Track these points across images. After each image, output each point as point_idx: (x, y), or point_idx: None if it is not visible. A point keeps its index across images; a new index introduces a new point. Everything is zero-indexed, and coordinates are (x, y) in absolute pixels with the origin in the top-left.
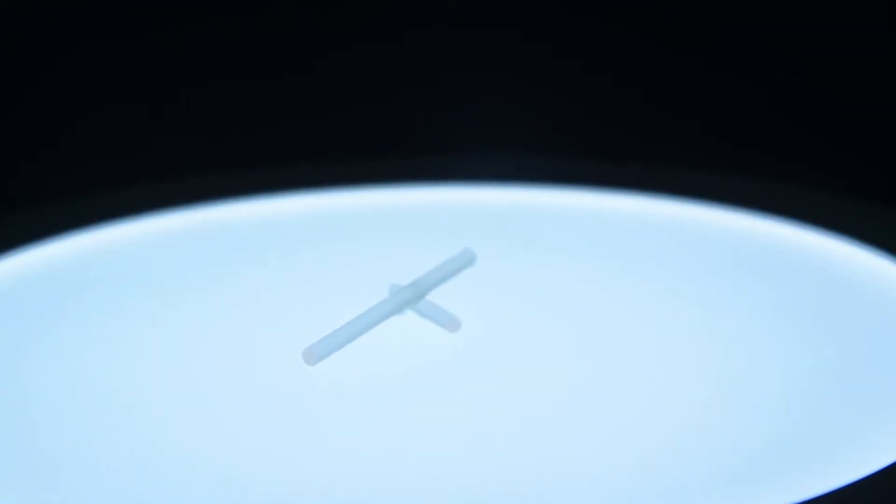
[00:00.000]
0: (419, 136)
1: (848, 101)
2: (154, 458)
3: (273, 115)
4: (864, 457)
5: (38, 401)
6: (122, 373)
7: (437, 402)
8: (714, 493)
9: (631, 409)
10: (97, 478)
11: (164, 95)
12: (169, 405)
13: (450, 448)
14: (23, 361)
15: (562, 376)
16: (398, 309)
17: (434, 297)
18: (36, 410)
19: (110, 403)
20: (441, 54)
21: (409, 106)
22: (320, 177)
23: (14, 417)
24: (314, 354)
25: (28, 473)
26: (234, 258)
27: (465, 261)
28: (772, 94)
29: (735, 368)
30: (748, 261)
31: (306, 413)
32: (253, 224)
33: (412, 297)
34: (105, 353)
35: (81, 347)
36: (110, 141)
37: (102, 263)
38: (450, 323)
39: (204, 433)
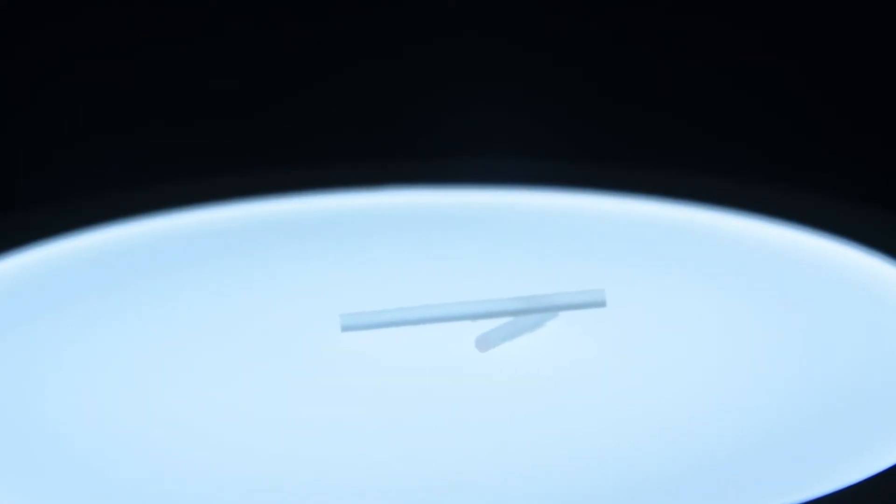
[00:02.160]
0: (423, 139)
1: (848, 102)
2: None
3: (277, 117)
4: (866, 458)
5: (42, 400)
6: (123, 376)
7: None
8: (717, 495)
9: (630, 404)
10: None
11: (166, 97)
12: (183, 407)
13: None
14: (35, 358)
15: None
16: (471, 316)
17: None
18: (41, 410)
19: (103, 404)
20: (442, 61)
21: (413, 110)
22: (323, 178)
23: (28, 418)
24: (344, 324)
25: (46, 474)
26: (236, 260)
27: (591, 300)
28: (773, 97)
29: (734, 370)
30: (749, 263)
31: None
32: (249, 225)
33: (504, 310)
34: (99, 355)
35: (80, 347)
36: (110, 142)
37: (107, 263)
38: (481, 341)
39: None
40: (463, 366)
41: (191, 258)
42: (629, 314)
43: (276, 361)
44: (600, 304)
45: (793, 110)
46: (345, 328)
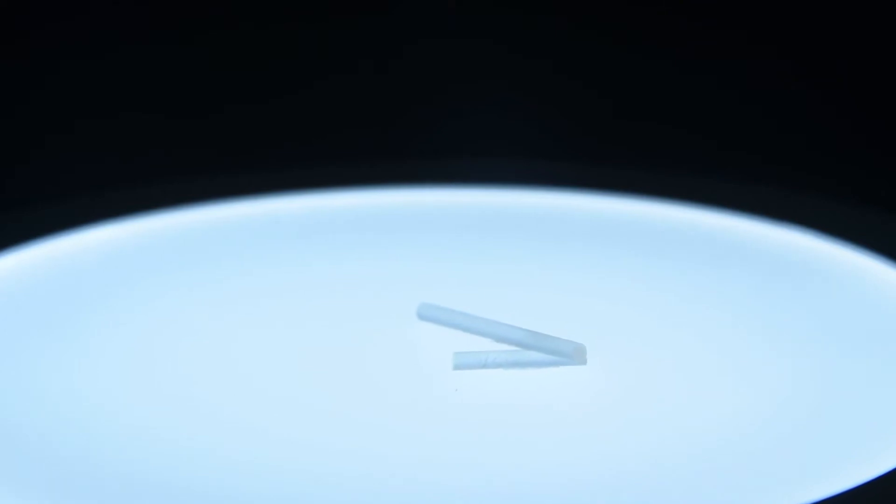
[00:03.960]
0: (423, 139)
1: (849, 103)
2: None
3: (277, 117)
4: (867, 461)
5: (50, 398)
6: (135, 374)
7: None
8: (720, 499)
9: (631, 414)
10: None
11: (167, 97)
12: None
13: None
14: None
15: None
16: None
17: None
18: (48, 410)
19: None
20: (442, 61)
21: (413, 110)
22: (322, 178)
23: (50, 418)
24: (419, 314)
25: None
26: (235, 259)
27: (571, 355)
28: (773, 99)
29: (736, 372)
30: (751, 266)
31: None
32: (247, 225)
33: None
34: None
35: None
36: (107, 141)
37: (110, 261)
38: (456, 358)
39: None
40: (482, 383)
41: (195, 257)
42: (631, 316)
43: (265, 366)
44: (572, 358)
45: (793, 112)
46: (420, 317)
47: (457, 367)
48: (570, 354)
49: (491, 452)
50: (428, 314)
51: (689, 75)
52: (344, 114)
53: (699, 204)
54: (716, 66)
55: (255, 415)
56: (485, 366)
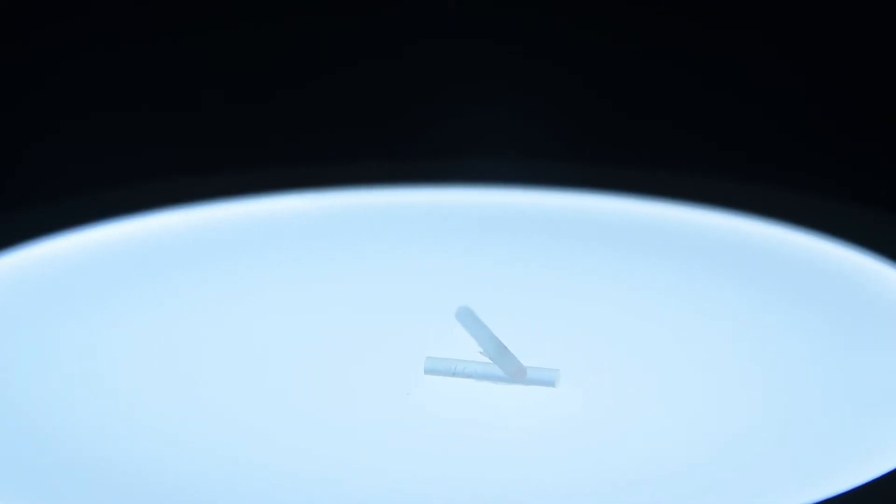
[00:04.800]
0: (420, 140)
1: (849, 102)
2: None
3: (277, 117)
4: (869, 461)
5: (51, 398)
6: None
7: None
8: (722, 499)
9: (628, 412)
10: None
11: (167, 96)
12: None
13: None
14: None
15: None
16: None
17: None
18: (48, 410)
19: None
20: (442, 62)
21: (411, 111)
22: (321, 177)
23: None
24: (458, 315)
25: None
26: (232, 259)
27: (511, 374)
28: (774, 99)
29: (735, 372)
30: (751, 266)
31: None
32: (249, 223)
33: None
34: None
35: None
36: (107, 141)
37: (106, 262)
38: (427, 363)
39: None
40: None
41: (194, 256)
42: (631, 317)
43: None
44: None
45: (793, 112)
46: (458, 318)
47: (427, 371)
48: (511, 374)
49: (473, 465)
50: (464, 319)
51: (689, 75)
52: (344, 114)
53: (699, 204)
54: (716, 66)
55: (254, 414)
56: (454, 374)
